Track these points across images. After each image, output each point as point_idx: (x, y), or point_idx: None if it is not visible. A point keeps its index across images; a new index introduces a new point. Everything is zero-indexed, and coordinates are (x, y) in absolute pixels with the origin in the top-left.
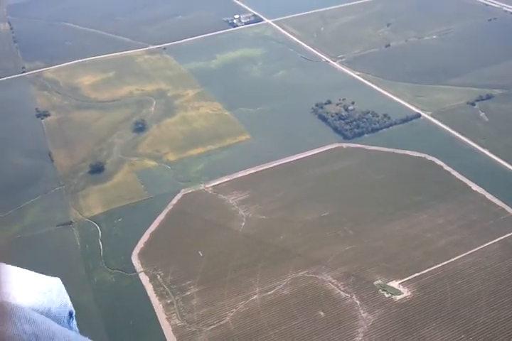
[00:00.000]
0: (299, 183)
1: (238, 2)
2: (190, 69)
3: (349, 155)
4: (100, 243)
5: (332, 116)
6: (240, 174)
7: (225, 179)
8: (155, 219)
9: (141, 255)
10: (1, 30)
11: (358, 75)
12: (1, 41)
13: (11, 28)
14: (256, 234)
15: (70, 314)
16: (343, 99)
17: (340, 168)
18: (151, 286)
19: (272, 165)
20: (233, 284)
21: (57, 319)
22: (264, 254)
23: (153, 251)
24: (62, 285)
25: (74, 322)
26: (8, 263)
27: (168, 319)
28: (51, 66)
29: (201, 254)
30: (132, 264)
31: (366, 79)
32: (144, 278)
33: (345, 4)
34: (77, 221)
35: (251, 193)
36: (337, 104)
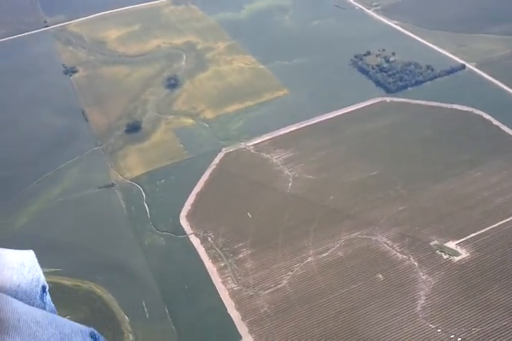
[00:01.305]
0: (343, 141)
1: None
2: (219, 20)
3: (393, 110)
4: (146, 205)
5: (373, 69)
6: (281, 131)
7: (266, 137)
8: (199, 179)
9: (189, 216)
10: None
11: (396, 24)
12: None
13: None
14: (304, 194)
15: (44, 288)
16: (383, 50)
17: (385, 124)
18: (203, 249)
19: (313, 122)
20: (286, 246)
21: (27, 295)
22: (315, 215)
23: (200, 212)
24: (36, 259)
25: (48, 297)
26: None
27: (224, 283)
28: (74, 19)
29: (250, 215)
30: (181, 226)
31: (404, 28)
32: (195, 241)
33: None
34: (118, 182)
35: (294, 152)
36: (377, 56)
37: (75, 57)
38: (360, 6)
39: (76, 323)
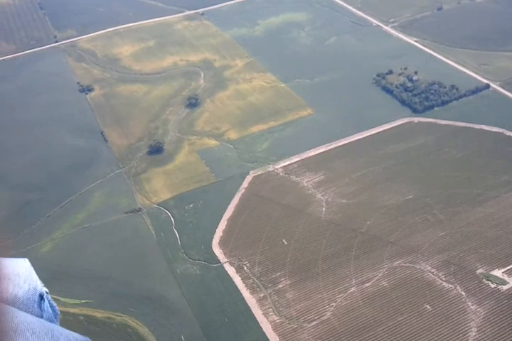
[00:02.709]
0: (374, 163)
1: None
2: (234, 36)
3: (423, 131)
4: (175, 231)
5: (397, 88)
6: (310, 153)
7: (295, 159)
8: (229, 204)
9: (222, 244)
10: None
11: (415, 41)
12: (27, 8)
13: None
14: (340, 219)
15: (41, 296)
16: (405, 69)
17: (415, 145)
18: (239, 278)
19: (342, 143)
20: (327, 275)
21: (24, 304)
22: (354, 242)
23: (233, 239)
24: (31, 267)
25: (46, 303)
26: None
27: (265, 315)
28: (85, 35)
29: (286, 243)
30: (214, 254)
31: (424, 46)
32: (230, 270)
33: None
34: (145, 207)
35: (325, 174)
36: (399, 74)
37: (90, 75)
38: (378, 23)
39: (73, 332)
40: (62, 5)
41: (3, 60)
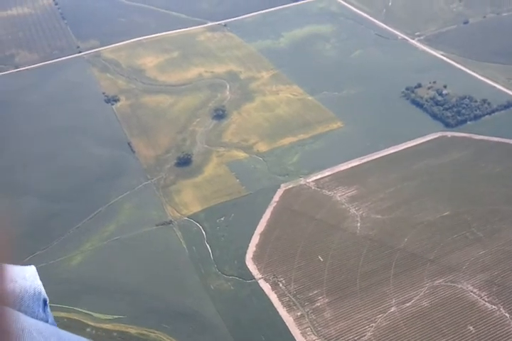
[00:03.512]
0: (408, 177)
1: None
2: (259, 48)
3: (457, 146)
4: (208, 245)
5: (427, 101)
6: (342, 167)
7: (326, 172)
8: (261, 218)
9: (256, 259)
10: (45, 5)
11: (442, 55)
12: (48, 17)
13: (56, 4)
14: (376, 235)
15: (45, 302)
16: (434, 82)
17: (450, 160)
18: (275, 296)
19: (374, 157)
20: (365, 294)
21: (30, 308)
22: (392, 259)
23: (267, 254)
24: (37, 274)
25: (48, 309)
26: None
27: (304, 334)
28: (108, 45)
29: (321, 259)
30: (248, 270)
31: (452, 60)
32: (265, 286)
33: None
34: (176, 220)
35: (358, 189)
36: (428, 88)
37: (115, 85)
38: (403, 36)
39: (75, 335)
40: (84, 15)
41: (27, 69)
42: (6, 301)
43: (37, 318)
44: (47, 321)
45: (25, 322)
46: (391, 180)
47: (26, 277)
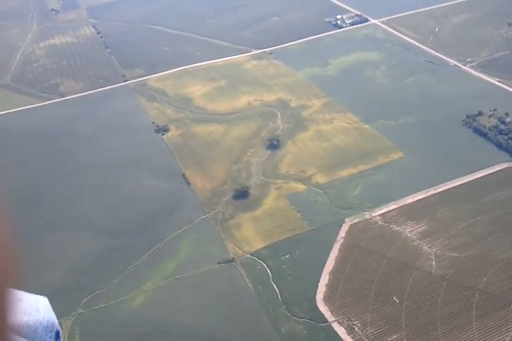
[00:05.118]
0: (480, 212)
1: (335, 1)
2: (307, 76)
3: None
4: (274, 285)
5: (491, 130)
6: (407, 200)
7: (392, 206)
8: (328, 255)
9: (327, 300)
10: (88, 34)
11: (498, 81)
12: (92, 46)
13: (98, 33)
14: (453, 275)
15: (57, 334)
16: (495, 110)
17: None
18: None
19: (439, 190)
20: (448, 339)
21: (43, 340)
22: (472, 301)
23: (339, 295)
24: (49, 305)
25: None
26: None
27: None
28: (153, 74)
29: (397, 300)
30: (320, 312)
31: (509, 86)
32: (340, 330)
33: (452, 2)
34: (238, 257)
35: (429, 224)
36: (489, 116)
37: (164, 115)
38: (455, 62)
39: None
40: (127, 44)
41: (73, 98)
42: (21, 334)
43: None
44: None
45: None
46: (461, 214)
47: (39, 309)
